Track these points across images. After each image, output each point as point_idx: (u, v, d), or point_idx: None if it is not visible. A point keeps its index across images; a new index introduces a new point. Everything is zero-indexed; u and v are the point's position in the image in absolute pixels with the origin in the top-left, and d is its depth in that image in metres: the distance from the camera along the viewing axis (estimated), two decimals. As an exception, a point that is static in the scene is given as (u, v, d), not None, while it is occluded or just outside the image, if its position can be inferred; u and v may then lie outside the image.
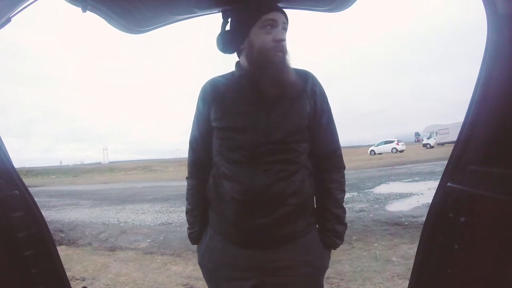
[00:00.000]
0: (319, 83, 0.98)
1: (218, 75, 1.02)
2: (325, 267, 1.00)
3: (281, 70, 0.90)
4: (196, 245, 1.06)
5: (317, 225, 1.00)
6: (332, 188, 0.97)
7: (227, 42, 0.97)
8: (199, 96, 1.00)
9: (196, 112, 1.01)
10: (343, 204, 0.99)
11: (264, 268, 0.92)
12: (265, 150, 0.88)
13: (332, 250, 1.01)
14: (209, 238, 0.99)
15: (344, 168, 1.01)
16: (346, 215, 1.01)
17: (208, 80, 1.00)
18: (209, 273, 1.00)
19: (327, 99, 0.98)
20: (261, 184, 0.87)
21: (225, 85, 0.97)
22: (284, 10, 1.00)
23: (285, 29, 0.94)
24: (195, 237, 1.04)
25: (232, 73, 1.00)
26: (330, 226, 0.97)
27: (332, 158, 0.98)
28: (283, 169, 0.89)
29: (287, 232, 0.91)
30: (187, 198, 1.06)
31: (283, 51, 0.91)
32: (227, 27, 1.02)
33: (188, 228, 1.06)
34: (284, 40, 0.92)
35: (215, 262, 0.96)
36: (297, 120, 0.91)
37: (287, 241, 0.92)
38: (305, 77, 0.96)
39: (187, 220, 1.06)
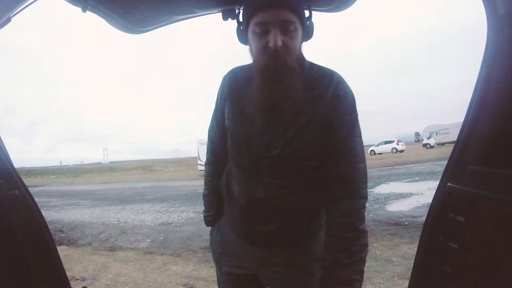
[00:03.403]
0: (345, 87, 0.83)
1: (243, 64, 0.92)
2: (318, 272, 0.88)
3: (279, 79, 0.78)
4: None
5: (323, 231, 0.89)
6: (340, 223, 0.78)
7: (239, 37, 0.90)
8: (219, 87, 0.95)
9: (215, 103, 0.97)
10: (357, 247, 0.77)
11: (264, 262, 0.93)
12: (266, 164, 0.83)
13: None
14: (222, 226, 1.02)
15: (365, 198, 0.80)
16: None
17: (230, 71, 0.94)
18: (216, 256, 1.04)
19: (354, 107, 0.83)
20: (261, 195, 0.84)
21: (243, 80, 0.88)
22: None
23: (286, 28, 0.77)
24: (210, 220, 1.07)
25: (251, 68, 0.88)
26: (327, 271, 0.80)
27: (346, 182, 0.79)
28: (284, 185, 0.83)
29: (287, 240, 0.89)
30: (205, 183, 1.08)
31: (278, 58, 0.76)
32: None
33: (204, 211, 1.09)
34: (276, 47, 0.76)
35: (223, 248, 1.00)
36: (304, 135, 0.80)
37: (288, 245, 0.91)
38: (328, 80, 0.82)
39: (204, 203, 1.09)
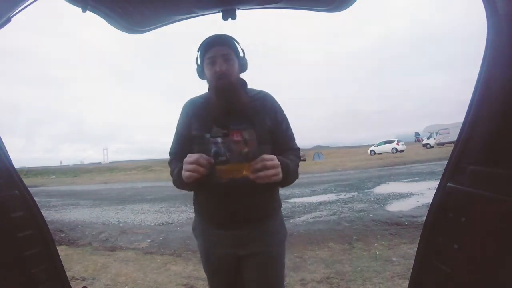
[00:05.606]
0: (275, 100, 1.25)
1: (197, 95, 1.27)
2: (283, 240, 1.27)
3: (227, 94, 1.11)
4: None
5: (281, 210, 1.29)
6: (289, 154, 1.21)
7: (198, 74, 1.22)
8: (181, 112, 1.24)
9: (178, 124, 1.25)
10: (298, 161, 1.23)
11: (240, 243, 1.18)
12: None
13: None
14: (200, 224, 1.28)
15: (299, 150, 1.30)
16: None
17: (189, 100, 1.26)
18: (203, 250, 1.28)
19: (283, 110, 1.26)
20: None
21: (201, 103, 1.21)
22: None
23: (226, 58, 1.11)
24: (177, 172, 1.17)
25: (207, 93, 1.23)
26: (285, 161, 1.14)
27: (291, 150, 1.26)
28: None
29: (256, 213, 1.17)
30: (171, 168, 1.26)
31: (224, 78, 1.10)
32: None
33: (172, 174, 1.21)
34: (221, 71, 1.10)
35: (207, 242, 1.25)
36: (258, 129, 1.09)
37: (256, 221, 1.18)
38: (264, 97, 1.22)
39: (171, 170, 1.23)
